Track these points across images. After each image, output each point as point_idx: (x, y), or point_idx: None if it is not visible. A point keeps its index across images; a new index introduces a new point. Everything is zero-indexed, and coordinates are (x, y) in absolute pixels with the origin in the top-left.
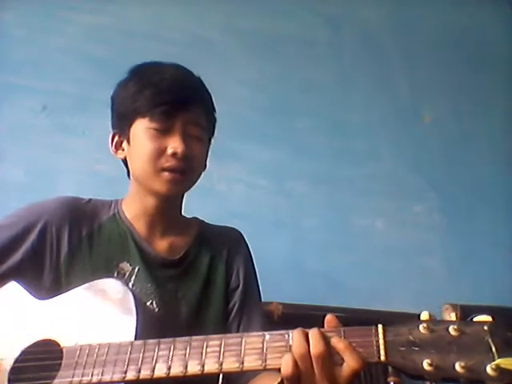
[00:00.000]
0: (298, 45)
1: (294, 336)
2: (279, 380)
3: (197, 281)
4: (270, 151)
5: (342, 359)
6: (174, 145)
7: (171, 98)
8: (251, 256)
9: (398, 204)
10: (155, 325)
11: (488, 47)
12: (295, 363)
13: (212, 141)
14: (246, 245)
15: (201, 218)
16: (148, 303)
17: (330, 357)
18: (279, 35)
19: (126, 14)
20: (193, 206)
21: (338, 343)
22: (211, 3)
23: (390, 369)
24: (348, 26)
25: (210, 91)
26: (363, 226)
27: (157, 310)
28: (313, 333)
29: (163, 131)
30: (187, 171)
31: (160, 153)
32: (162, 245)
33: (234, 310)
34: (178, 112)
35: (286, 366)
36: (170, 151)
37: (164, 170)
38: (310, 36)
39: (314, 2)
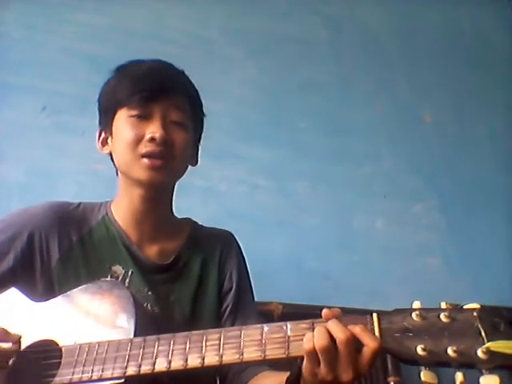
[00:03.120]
0: (298, 45)
1: (317, 331)
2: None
3: (189, 284)
4: (270, 151)
5: (361, 343)
6: (153, 129)
7: (148, 84)
8: (244, 258)
9: (397, 204)
10: (153, 326)
11: (488, 47)
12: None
13: (202, 136)
14: (239, 246)
15: (193, 219)
16: (144, 305)
17: (355, 342)
18: (279, 35)
19: (125, 14)
20: (193, 206)
21: (353, 328)
22: (211, 3)
23: (389, 369)
24: (348, 26)
25: (210, 91)
26: (363, 226)
27: (153, 311)
28: (332, 323)
29: (143, 117)
30: (167, 157)
31: (139, 139)
32: (152, 249)
33: (227, 312)
34: (157, 97)
35: (308, 341)
36: (148, 136)
37: (143, 156)
38: (310, 36)
39: (314, 2)
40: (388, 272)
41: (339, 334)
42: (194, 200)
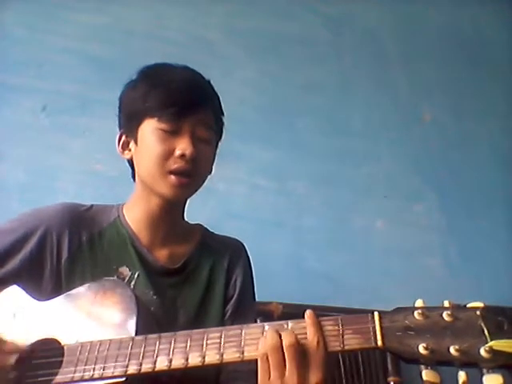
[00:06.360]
0: (298, 45)
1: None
2: None
3: (196, 289)
4: (270, 151)
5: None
6: (183, 146)
7: (181, 99)
8: (251, 268)
9: (398, 204)
10: (155, 325)
11: (488, 47)
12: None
13: (219, 144)
14: (247, 256)
15: (204, 225)
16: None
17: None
18: (279, 35)
19: (125, 14)
20: (193, 206)
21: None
22: (211, 3)
23: (389, 369)
24: (348, 25)
25: None
26: (363, 226)
27: (156, 315)
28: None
29: (172, 132)
30: (193, 174)
31: (168, 154)
32: (162, 252)
33: (226, 317)
34: (188, 114)
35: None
36: (178, 153)
37: (171, 172)
38: (310, 36)
39: (314, 2)
40: (388, 272)
41: (286, 336)
42: (194, 200)
